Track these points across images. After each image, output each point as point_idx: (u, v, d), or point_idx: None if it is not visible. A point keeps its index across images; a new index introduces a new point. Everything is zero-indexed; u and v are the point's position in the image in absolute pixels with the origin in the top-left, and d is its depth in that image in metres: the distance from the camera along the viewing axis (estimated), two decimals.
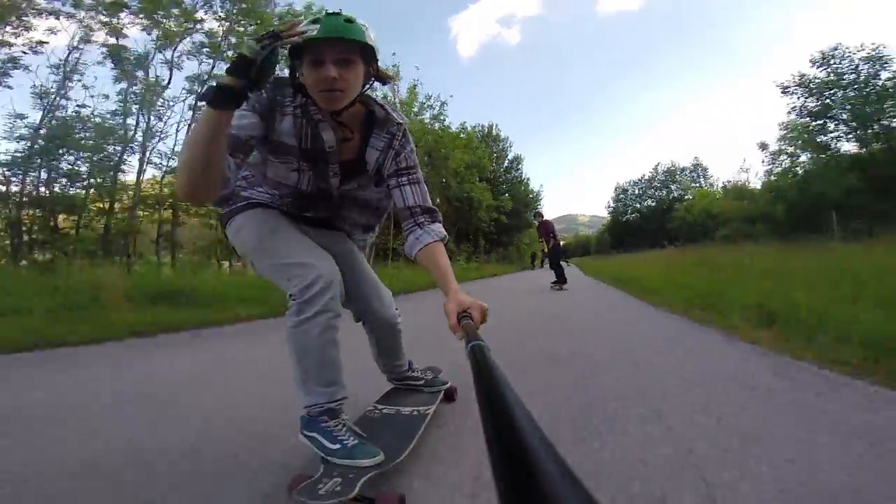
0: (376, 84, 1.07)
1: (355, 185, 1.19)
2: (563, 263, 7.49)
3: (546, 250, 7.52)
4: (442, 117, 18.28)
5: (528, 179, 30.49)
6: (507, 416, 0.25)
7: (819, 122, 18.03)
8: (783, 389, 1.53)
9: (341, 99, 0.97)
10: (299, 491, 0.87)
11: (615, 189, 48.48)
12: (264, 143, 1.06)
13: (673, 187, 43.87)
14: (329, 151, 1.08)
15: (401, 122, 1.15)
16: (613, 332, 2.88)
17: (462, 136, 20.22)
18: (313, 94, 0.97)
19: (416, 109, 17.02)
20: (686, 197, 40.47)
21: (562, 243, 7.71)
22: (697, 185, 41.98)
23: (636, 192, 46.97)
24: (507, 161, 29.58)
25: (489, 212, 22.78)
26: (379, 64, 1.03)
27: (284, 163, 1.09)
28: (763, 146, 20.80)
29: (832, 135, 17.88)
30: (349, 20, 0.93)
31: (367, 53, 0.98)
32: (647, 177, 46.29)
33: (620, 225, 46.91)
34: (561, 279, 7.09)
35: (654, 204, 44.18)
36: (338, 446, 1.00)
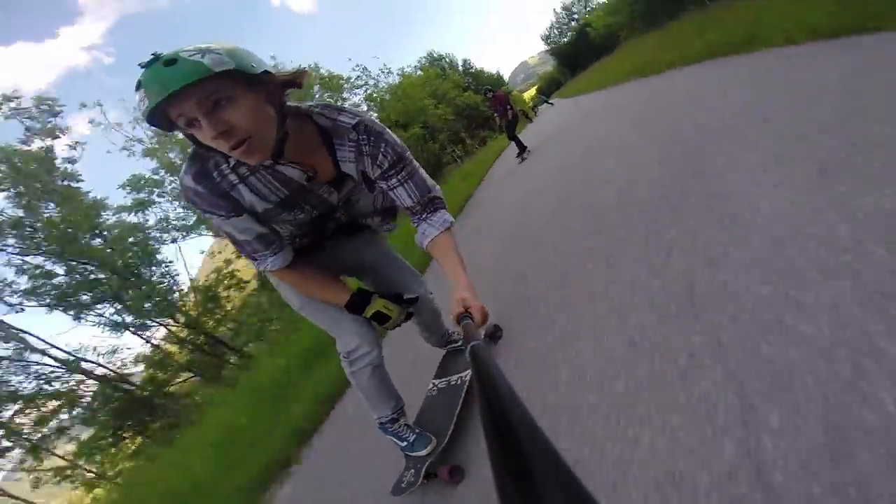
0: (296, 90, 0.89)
1: (352, 184, 1.12)
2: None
3: (501, 125, 7.46)
4: (378, 80, 21.70)
5: (481, 69, 34.26)
6: (507, 416, 0.25)
7: None
8: None
9: (257, 145, 0.79)
10: (393, 488, 1.28)
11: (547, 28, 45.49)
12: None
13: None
14: (308, 185, 1.01)
15: (352, 122, 0.98)
16: None
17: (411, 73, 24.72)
18: (230, 155, 0.79)
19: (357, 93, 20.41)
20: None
21: (517, 111, 7.55)
22: None
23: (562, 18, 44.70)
24: (459, 68, 32.69)
25: (446, 122, 24.69)
26: (273, 72, 0.81)
27: (278, 220, 1.07)
28: None
29: None
30: (170, 61, 0.68)
31: (241, 78, 0.74)
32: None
33: (565, 53, 43.86)
34: (522, 149, 7.13)
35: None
36: (405, 443, 1.35)
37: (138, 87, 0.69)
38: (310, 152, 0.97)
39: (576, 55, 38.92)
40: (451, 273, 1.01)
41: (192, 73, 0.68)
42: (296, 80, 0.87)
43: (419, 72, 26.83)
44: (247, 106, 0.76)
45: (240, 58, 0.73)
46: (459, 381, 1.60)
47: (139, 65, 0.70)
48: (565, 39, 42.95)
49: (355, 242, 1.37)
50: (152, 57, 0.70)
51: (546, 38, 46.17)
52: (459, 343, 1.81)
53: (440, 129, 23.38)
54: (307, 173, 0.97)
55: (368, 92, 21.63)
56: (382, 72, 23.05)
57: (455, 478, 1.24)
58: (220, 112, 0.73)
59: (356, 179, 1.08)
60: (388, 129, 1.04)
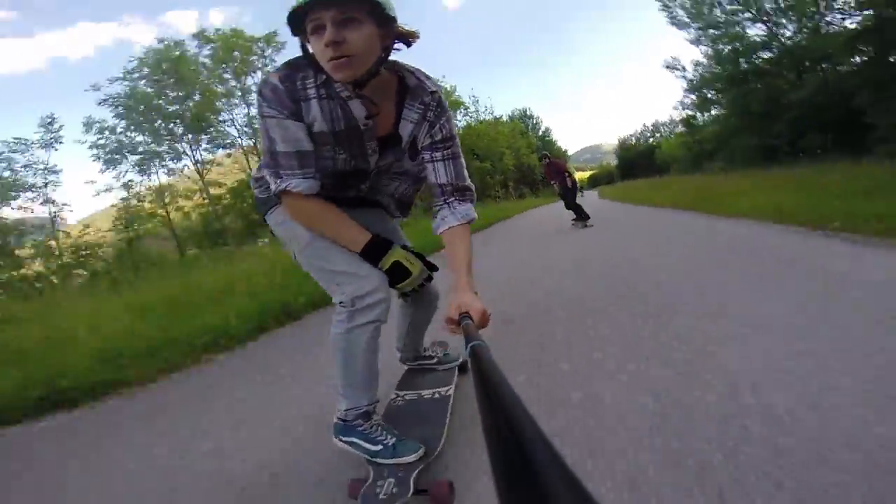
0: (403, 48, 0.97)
1: (392, 158, 1.13)
2: (579, 195, 7.34)
3: (559, 192, 7.13)
4: (479, 112, 28.33)
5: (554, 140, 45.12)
6: (507, 417, 0.25)
7: None
8: None
9: (352, 66, 0.87)
10: (362, 499, 0.98)
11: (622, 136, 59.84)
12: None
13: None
14: (364, 129, 1.02)
15: (434, 89, 1.06)
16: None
17: (505, 121, 33.38)
18: (325, 67, 0.89)
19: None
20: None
21: (576, 179, 7.28)
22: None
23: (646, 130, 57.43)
24: (540, 131, 42.28)
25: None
26: (398, 24, 0.93)
27: (320, 150, 1.02)
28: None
29: None
30: None
31: (376, 11, 0.87)
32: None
33: (628, 159, 54.54)
34: (582, 216, 6.81)
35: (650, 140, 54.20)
36: (379, 447, 1.09)
37: None
38: (382, 99, 1.02)
39: (634, 166, 45.92)
40: (456, 269, 1.00)
41: None
42: (409, 37, 0.97)
43: (510, 119, 37.22)
44: (366, 34, 0.86)
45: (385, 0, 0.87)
46: (438, 395, 1.40)
47: None
48: (637, 146, 51.38)
49: (367, 213, 1.25)
50: None
51: (622, 142, 55.50)
52: (434, 360, 1.63)
53: (500, 172, 28.55)
54: (370, 112, 1.01)
55: (467, 119, 27.26)
56: (486, 108, 32.17)
57: (453, 496, 1.01)
58: (346, 27, 0.84)
59: (402, 147, 1.10)
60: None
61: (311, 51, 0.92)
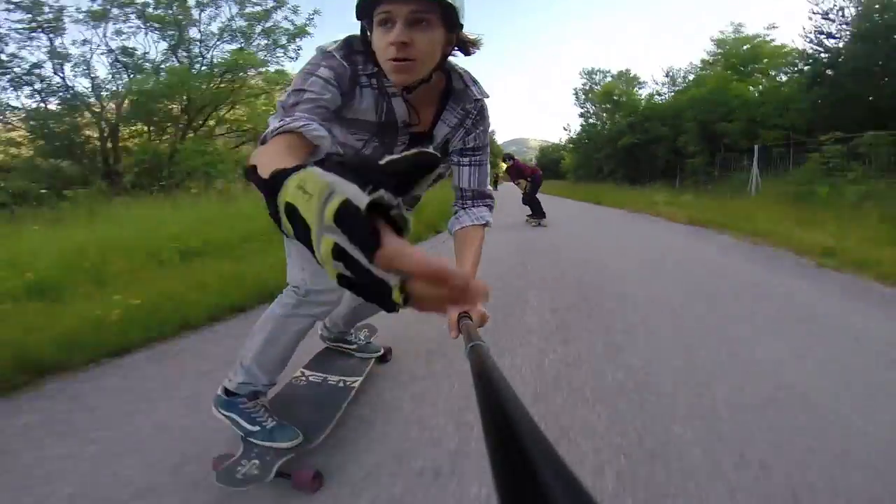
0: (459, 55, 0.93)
1: None
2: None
3: (527, 189, 6.95)
4: None
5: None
6: (506, 418, 0.25)
7: None
8: None
9: (413, 70, 0.82)
10: (219, 474, 0.93)
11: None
12: (336, 116, 0.93)
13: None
14: (401, 127, 0.99)
15: (479, 97, 1.02)
16: None
17: None
18: (382, 63, 0.83)
19: None
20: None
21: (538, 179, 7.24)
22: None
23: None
24: None
25: None
26: (464, 31, 0.87)
27: (355, 134, 0.99)
28: None
29: None
30: None
31: (448, 16, 0.81)
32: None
33: (544, 163, 48.39)
34: (538, 213, 6.70)
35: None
36: (257, 428, 1.05)
37: None
38: (426, 102, 0.99)
39: (546, 169, 46.71)
40: (463, 265, 0.98)
41: None
42: (471, 45, 0.92)
43: None
44: (435, 39, 0.81)
45: (461, 5, 0.82)
46: (342, 384, 1.37)
47: None
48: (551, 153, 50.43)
49: None
50: None
51: (543, 150, 55.10)
52: (354, 346, 1.59)
53: None
54: (411, 117, 0.98)
55: None
56: None
57: (316, 484, 0.98)
58: (416, 28, 0.78)
59: (434, 147, 1.05)
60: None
61: (369, 40, 0.85)
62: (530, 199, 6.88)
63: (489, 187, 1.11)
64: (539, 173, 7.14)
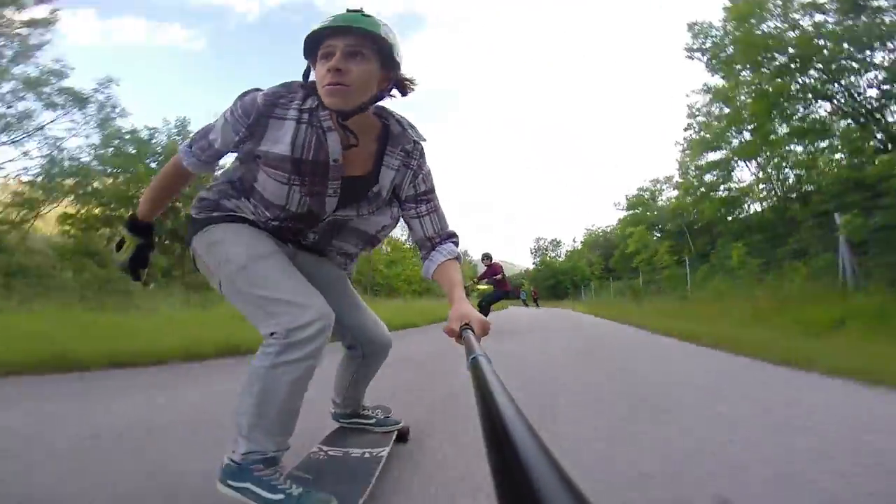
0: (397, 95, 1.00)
1: (354, 212, 1.05)
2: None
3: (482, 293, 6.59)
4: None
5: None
6: (507, 428, 0.25)
7: None
8: None
9: (346, 95, 0.88)
10: None
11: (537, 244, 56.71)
12: (252, 157, 0.98)
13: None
14: (333, 164, 0.96)
15: (417, 140, 1.06)
16: None
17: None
18: (320, 91, 0.90)
19: None
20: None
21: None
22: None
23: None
24: None
25: None
26: (401, 72, 0.96)
27: (275, 177, 0.96)
28: None
29: None
30: (365, 14, 0.89)
31: (384, 53, 0.90)
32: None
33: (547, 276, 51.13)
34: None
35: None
36: (280, 496, 0.89)
37: (327, 19, 0.89)
38: (363, 139, 0.99)
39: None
40: (452, 289, 0.99)
41: (371, 26, 0.88)
42: (406, 85, 1.00)
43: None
44: (369, 70, 0.89)
45: (396, 44, 0.92)
46: (368, 455, 1.20)
47: (347, 9, 0.91)
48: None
49: (312, 257, 1.18)
50: (359, 8, 0.91)
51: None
52: (372, 421, 1.43)
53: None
54: (346, 144, 0.97)
55: None
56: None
57: None
58: (353, 59, 0.87)
59: (382, 196, 1.05)
60: None
61: (311, 77, 0.95)
62: (485, 306, 6.44)
63: (450, 226, 1.15)
64: (509, 289, 6.86)
